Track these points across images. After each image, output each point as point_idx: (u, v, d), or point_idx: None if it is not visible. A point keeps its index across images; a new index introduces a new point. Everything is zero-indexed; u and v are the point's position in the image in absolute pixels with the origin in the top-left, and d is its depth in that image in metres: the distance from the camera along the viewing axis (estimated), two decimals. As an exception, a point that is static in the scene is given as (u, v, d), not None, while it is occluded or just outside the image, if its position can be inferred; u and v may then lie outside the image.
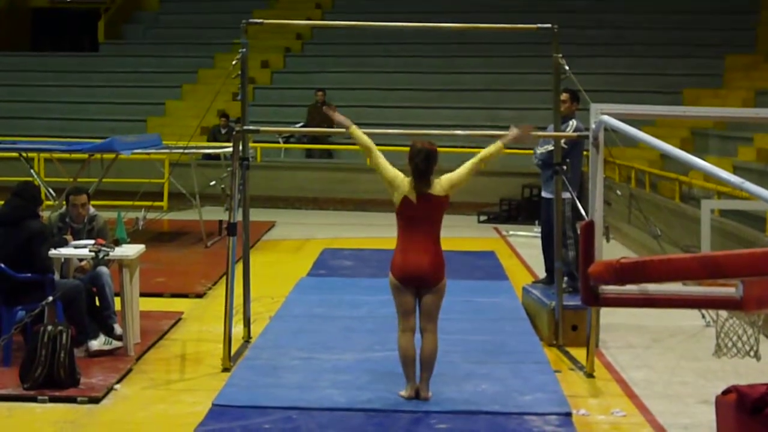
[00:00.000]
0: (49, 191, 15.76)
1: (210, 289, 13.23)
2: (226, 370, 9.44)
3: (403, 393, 8.47)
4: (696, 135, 21.74)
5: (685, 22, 27.30)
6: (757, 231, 12.46)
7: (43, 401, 8.51)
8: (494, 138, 8.97)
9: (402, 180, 8.38)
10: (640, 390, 9.16)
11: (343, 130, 8.91)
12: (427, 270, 8.32)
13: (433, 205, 8.36)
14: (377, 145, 8.67)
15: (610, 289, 6.39)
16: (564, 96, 11.30)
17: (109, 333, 9.95)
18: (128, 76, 28.49)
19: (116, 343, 9.88)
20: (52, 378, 8.64)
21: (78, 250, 10.12)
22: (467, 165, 8.60)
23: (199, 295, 12.91)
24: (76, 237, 10.41)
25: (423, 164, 8.33)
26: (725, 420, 6.27)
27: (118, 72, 28.67)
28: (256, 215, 13.73)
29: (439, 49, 26.71)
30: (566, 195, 11.00)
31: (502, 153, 8.79)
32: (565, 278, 11.21)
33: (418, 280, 8.35)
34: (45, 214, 10.26)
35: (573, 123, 11.50)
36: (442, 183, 8.42)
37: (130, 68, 28.79)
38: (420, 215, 8.35)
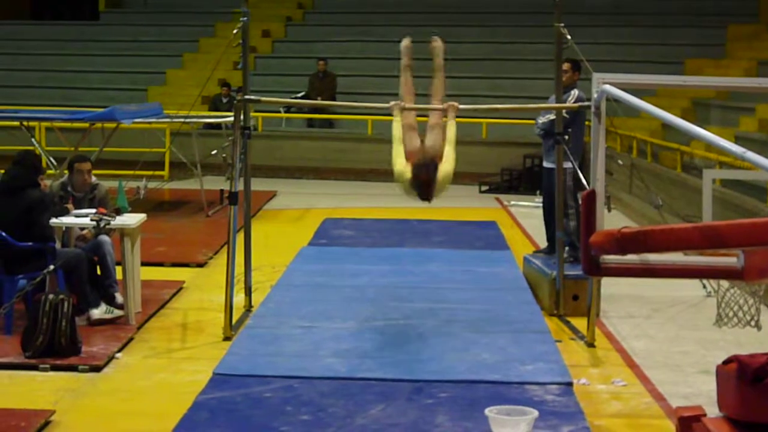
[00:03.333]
0: (50, 160, 15.74)
1: (211, 258, 13.23)
2: (227, 339, 9.46)
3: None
4: (697, 105, 21.69)
5: (686, -9, 27.20)
6: (758, 201, 12.46)
7: (45, 369, 8.53)
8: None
9: (406, 177, 8.58)
10: (640, 360, 9.17)
11: (346, 103, 9.09)
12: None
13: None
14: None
15: (611, 258, 6.41)
16: (566, 66, 11.27)
17: (111, 302, 9.97)
18: (129, 45, 28.43)
19: (117, 312, 9.90)
20: (53, 346, 8.65)
21: (79, 219, 10.12)
22: (452, 154, 8.68)
23: (200, 265, 12.91)
24: (78, 206, 10.41)
25: (425, 179, 8.55)
26: (726, 389, 6.28)
27: (118, 41, 28.59)
28: (257, 185, 13.71)
29: (440, 18, 26.58)
30: (567, 165, 10.98)
31: None
32: (567, 248, 11.20)
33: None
34: (47, 182, 10.24)
35: (575, 93, 11.48)
36: (439, 183, 8.59)
37: (131, 37, 28.72)
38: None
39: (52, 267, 9.18)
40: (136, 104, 18.79)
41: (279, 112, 24.29)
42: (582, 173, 10.50)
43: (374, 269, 12.14)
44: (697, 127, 6.14)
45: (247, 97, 10.26)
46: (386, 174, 20.97)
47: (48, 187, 10.26)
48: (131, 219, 10.25)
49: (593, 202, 6.56)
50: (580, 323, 10.06)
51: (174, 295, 11.25)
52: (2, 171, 10.19)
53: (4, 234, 9.30)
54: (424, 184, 8.53)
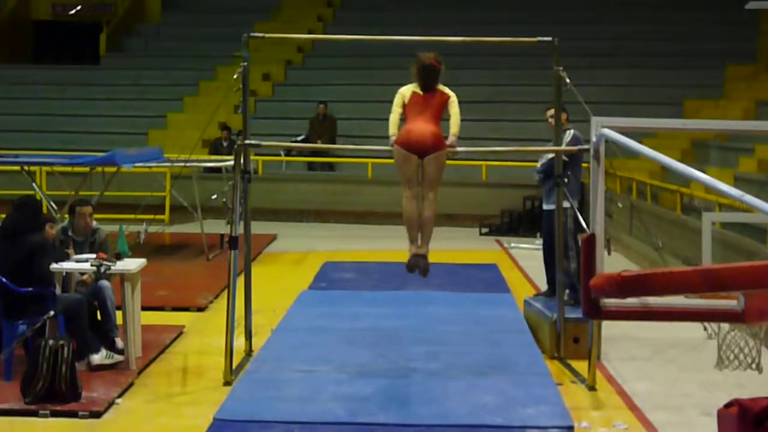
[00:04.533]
0: (51, 204, 15.77)
1: (211, 302, 13.23)
2: (227, 383, 9.44)
3: (409, 250, 9.35)
4: (697, 146, 21.74)
5: (685, 32, 27.30)
6: (758, 242, 12.46)
7: (45, 415, 8.50)
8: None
9: (407, 89, 9.40)
10: (641, 402, 9.15)
11: (347, 146, 9.55)
12: (429, 136, 9.10)
13: (436, 97, 9.31)
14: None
15: (611, 301, 6.39)
16: (551, 112, 11.29)
17: (111, 347, 9.96)
18: (130, 88, 28.51)
19: (118, 357, 9.88)
20: (53, 392, 8.63)
21: (80, 263, 10.13)
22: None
23: (201, 309, 12.91)
24: (78, 250, 10.43)
25: (428, 77, 9.35)
26: (727, 433, 6.27)
27: (119, 84, 28.68)
28: (258, 228, 13.73)
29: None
30: (567, 205, 11.00)
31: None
32: (567, 290, 11.21)
33: (421, 144, 9.08)
34: (52, 231, 10.21)
35: (570, 133, 11.54)
36: (445, 90, 9.40)
37: (132, 81, 28.82)
38: (425, 103, 9.26)
39: (52, 312, 9.18)
40: (136, 148, 18.84)
41: (279, 155, 24.33)
42: (581, 215, 10.52)
43: (375, 312, 12.14)
44: (695, 170, 6.14)
45: (247, 141, 10.29)
46: (386, 216, 21.17)
47: (53, 235, 10.26)
48: (132, 264, 10.26)
49: (593, 245, 6.56)
50: (581, 366, 10.04)
51: (174, 339, 11.24)
52: (3, 216, 10.20)
53: (4, 279, 9.30)
54: (428, 74, 9.32)
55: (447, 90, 9.38)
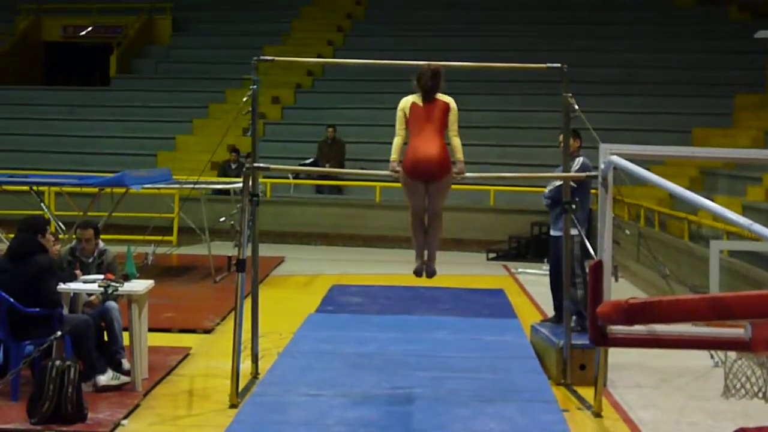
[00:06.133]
0: (59, 225, 15.79)
1: (218, 324, 13.23)
2: (233, 406, 9.43)
3: (415, 263, 9.38)
4: (705, 174, 21.74)
5: (695, 61, 27.35)
6: (765, 271, 12.44)
7: (50, 436, 8.51)
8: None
9: (406, 101, 9.33)
10: (648, 430, 9.13)
11: (354, 171, 9.49)
12: (435, 159, 9.00)
13: (437, 107, 9.25)
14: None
15: (618, 329, 6.39)
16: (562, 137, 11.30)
17: (117, 368, 9.96)
18: (139, 110, 28.60)
19: (124, 379, 9.88)
20: (59, 413, 8.63)
21: (87, 285, 10.14)
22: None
23: (207, 331, 12.91)
24: (86, 271, 10.44)
25: (429, 83, 9.33)
26: (733, 462, 6.25)
27: (129, 106, 28.77)
28: (265, 250, 13.74)
29: (450, 86, 26.48)
30: (574, 232, 10.99)
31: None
32: (574, 317, 11.20)
33: (427, 169, 9.01)
34: (57, 248, 10.24)
35: (580, 160, 11.55)
36: (443, 98, 9.39)
37: (141, 103, 28.91)
38: (427, 115, 9.19)
39: (59, 333, 9.18)
40: (145, 170, 18.88)
41: (287, 178, 24.36)
42: (589, 241, 10.52)
43: (381, 337, 12.12)
44: (703, 198, 6.16)
45: (256, 164, 10.30)
46: (394, 240, 21.16)
47: (57, 253, 10.28)
48: (139, 285, 10.26)
49: (600, 272, 6.56)
50: (587, 393, 10.02)
51: (181, 361, 11.23)
52: (12, 236, 10.21)
53: (11, 300, 9.31)
54: (429, 80, 9.29)
55: (446, 97, 9.36)
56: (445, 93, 9.49)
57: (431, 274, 9.41)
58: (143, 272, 10.91)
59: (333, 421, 8.77)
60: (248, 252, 10.11)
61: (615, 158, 6.71)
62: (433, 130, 9.11)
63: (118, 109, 28.70)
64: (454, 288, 15.85)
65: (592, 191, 11.65)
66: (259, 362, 10.83)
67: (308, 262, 19.92)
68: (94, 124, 28.11)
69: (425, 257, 9.39)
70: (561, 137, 10.94)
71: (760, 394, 7.98)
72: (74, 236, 11.41)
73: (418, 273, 9.42)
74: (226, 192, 19.47)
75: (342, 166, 23.44)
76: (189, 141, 26.89)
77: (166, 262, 17.66)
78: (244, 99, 10.37)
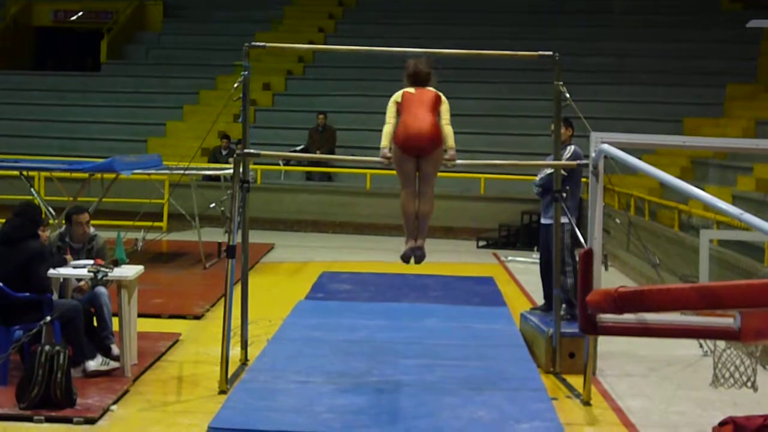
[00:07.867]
0: (49, 210, 15.76)
1: (208, 310, 13.23)
2: (222, 392, 9.43)
3: (405, 246, 9.26)
4: (696, 164, 21.78)
5: (686, 51, 27.38)
6: (755, 261, 12.46)
7: (39, 421, 8.49)
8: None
9: (398, 94, 9.34)
10: (636, 419, 9.14)
11: (345, 157, 9.43)
12: (426, 130, 8.99)
13: (428, 94, 9.29)
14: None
15: (608, 317, 6.40)
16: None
17: (107, 354, 9.95)
18: (130, 96, 28.57)
19: (113, 364, 9.87)
20: (48, 398, 8.63)
21: (77, 270, 10.12)
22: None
23: (197, 317, 12.90)
24: (75, 257, 10.42)
25: (425, 69, 9.50)
26: (722, 451, 6.27)
27: (119, 92, 28.75)
28: (256, 237, 13.73)
29: (441, 74, 26.57)
30: (565, 221, 11.00)
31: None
32: (564, 305, 11.21)
33: (418, 141, 8.99)
34: (46, 234, 10.23)
35: (571, 148, 11.55)
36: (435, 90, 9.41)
37: (132, 88, 28.88)
38: (419, 99, 9.22)
39: (48, 318, 9.17)
40: (135, 155, 18.83)
41: (278, 164, 24.35)
42: (579, 230, 10.52)
43: (371, 324, 12.12)
44: (694, 187, 6.16)
45: (246, 150, 10.29)
46: (384, 228, 21.17)
47: (47, 239, 10.26)
48: (129, 271, 10.25)
49: (590, 260, 6.57)
50: (576, 381, 10.04)
51: (170, 347, 11.23)
52: (2, 221, 10.20)
53: (1, 284, 9.30)
54: (417, 75, 9.42)
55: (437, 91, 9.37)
56: (437, 81, 9.47)
57: (420, 258, 9.33)
58: (133, 258, 10.89)
59: (322, 408, 8.76)
60: (238, 238, 10.10)
61: (606, 147, 6.71)
62: (425, 110, 9.11)
63: (108, 94, 28.67)
64: (443, 276, 15.85)
65: (583, 180, 11.65)
66: (249, 349, 10.82)
67: (298, 248, 19.92)
68: (85, 109, 28.09)
69: (415, 237, 9.34)
70: (553, 126, 10.94)
71: (749, 384, 8.02)
72: (63, 222, 11.37)
73: (406, 258, 9.35)
74: (217, 178, 19.48)
75: (332, 153, 23.45)
76: (179, 127, 26.87)
77: (156, 248, 17.64)
78: (235, 85, 10.33)
